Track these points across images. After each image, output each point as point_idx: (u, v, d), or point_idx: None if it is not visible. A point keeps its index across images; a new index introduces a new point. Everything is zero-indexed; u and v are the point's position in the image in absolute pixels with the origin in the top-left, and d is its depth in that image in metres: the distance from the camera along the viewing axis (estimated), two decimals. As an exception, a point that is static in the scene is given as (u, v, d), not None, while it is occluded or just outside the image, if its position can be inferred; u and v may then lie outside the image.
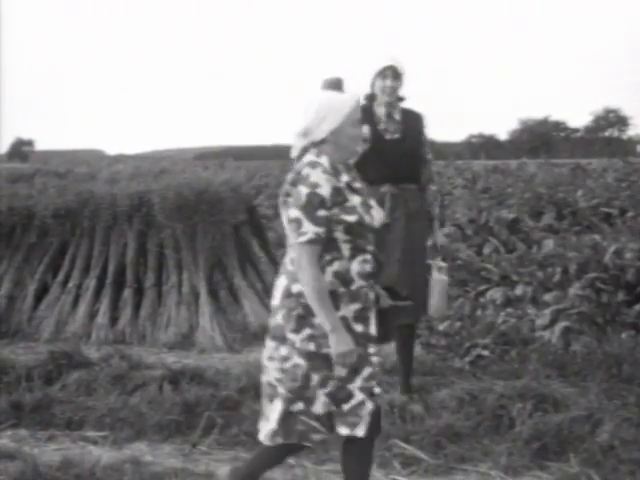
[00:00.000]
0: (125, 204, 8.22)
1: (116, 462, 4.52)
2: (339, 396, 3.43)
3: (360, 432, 3.45)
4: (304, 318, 3.38)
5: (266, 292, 8.35)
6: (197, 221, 7.98)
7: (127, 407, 5.40)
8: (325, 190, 3.32)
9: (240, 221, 8.44)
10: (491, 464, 4.58)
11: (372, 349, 3.48)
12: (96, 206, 8.32)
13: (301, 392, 3.41)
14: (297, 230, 3.32)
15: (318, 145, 3.46)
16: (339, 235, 3.38)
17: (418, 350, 6.89)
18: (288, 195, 3.38)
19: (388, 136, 5.35)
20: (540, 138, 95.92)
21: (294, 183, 3.36)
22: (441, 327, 7.20)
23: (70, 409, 5.44)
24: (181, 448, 4.91)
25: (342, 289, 3.39)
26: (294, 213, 3.34)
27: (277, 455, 3.67)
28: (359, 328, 3.44)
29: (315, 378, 3.39)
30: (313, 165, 3.38)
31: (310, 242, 3.30)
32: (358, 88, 5.21)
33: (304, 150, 3.48)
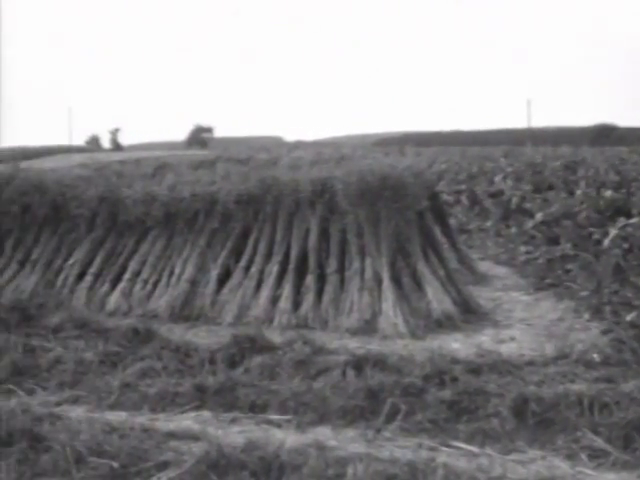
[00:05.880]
0: (308, 190, 8.25)
1: (300, 446, 4.48)
2: None
3: None
4: None
5: (449, 279, 8.20)
6: (380, 207, 7.90)
7: (311, 391, 5.38)
8: None
9: (423, 207, 8.33)
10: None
11: None
12: (279, 192, 8.39)
13: None
14: None
15: None
16: None
17: (604, 340, 6.62)
18: None
19: None
20: None
21: None
22: (628, 318, 6.92)
23: (253, 392, 5.46)
24: (365, 433, 4.83)
25: None
26: None
27: None
28: None
29: None
30: None
31: None
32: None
33: None
